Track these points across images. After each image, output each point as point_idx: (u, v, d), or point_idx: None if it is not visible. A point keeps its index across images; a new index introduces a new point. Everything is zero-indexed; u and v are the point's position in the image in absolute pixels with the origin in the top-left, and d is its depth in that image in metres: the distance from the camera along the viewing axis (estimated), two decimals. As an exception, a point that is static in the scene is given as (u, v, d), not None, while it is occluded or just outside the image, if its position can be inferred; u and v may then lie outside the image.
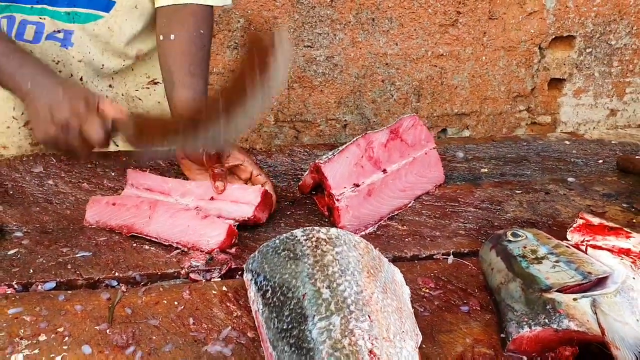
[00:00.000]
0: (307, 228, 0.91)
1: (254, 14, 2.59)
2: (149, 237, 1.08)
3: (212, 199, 1.13)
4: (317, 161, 1.14)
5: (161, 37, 1.34)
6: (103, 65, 1.44)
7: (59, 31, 1.37)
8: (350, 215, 1.12)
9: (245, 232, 1.12)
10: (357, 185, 1.14)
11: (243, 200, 1.12)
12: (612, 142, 1.54)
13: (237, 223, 1.09)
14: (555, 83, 3.05)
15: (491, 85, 2.95)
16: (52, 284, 0.97)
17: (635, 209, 1.24)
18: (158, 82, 1.51)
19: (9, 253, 1.04)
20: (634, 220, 1.20)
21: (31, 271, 0.99)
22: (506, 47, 2.88)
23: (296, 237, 0.89)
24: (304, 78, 2.75)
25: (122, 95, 1.49)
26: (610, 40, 2.99)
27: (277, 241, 0.91)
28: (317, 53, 2.72)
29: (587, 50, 2.99)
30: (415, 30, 2.76)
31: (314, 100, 2.80)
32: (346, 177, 1.13)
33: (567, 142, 1.53)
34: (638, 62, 3.06)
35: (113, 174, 1.31)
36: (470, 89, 2.94)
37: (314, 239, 0.89)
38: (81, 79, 1.43)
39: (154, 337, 0.86)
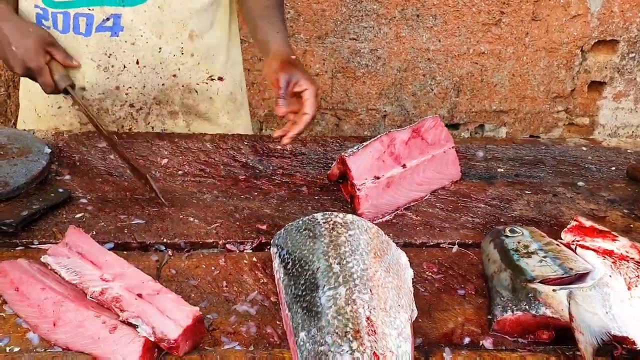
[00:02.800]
0: (327, 212, 1.06)
1: (304, 6, 2.73)
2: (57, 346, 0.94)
3: (139, 295, 0.95)
4: (342, 154, 1.28)
5: None
6: (160, 48, 1.53)
7: (107, 19, 1.47)
8: (369, 204, 1.26)
9: (276, 212, 1.28)
10: (378, 178, 1.28)
11: (171, 314, 0.92)
12: (629, 150, 1.63)
13: (152, 339, 0.89)
14: (596, 86, 3.09)
15: (530, 84, 3.02)
16: (111, 245, 1.15)
17: (636, 215, 1.34)
18: (214, 79, 1.63)
19: (76, 217, 1.23)
20: (632, 226, 1.30)
21: (94, 233, 1.17)
22: (548, 48, 2.94)
23: (317, 219, 1.05)
24: (348, 69, 2.88)
25: (183, 86, 1.60)
26: (654, 46, 3.01)
27: (301, 222, 1.06)
28: (362, 45, 2.85)
29: (630, 55, 3.02)
30: (458, 27, 2.85)
31: (356, 90, 2.94)
32: (368, 169, 1.27)
33: (584, 148, 1.62)
34: (681, 69, 3.08)
35: (166, 152, 1.48)
36: (510, 87, 3.01)
37: (331, 222, 1.04)
38: (137, 62, 1.53)
39: (193, 295, 1.03)
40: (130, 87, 1.57)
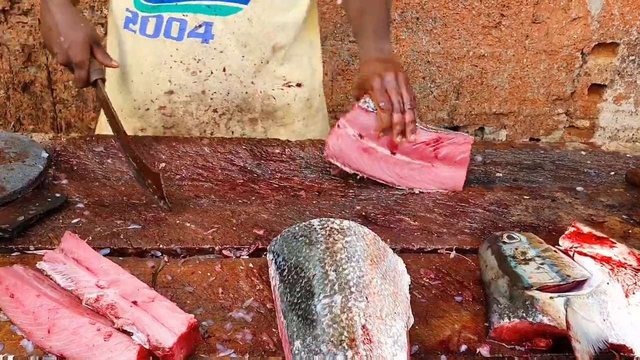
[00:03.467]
0: (324, 219, 1.06)
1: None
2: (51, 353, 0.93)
3: (135, 302, 0.94)
4: (363, 101, 1.36)
5: (339, 1, 1.66)
6: (243, 56, 1.57)
7: (200, 25, 1.52)
8: (337, 143, 1.36)
9: (274, 217, 1.28)
10: (361, 137, 1.32)
11: (166, 322, 0.91)
12: (627, 154, 1.62)
13: (147, 347, 0.89)
14: (596, 88, 3.09)
15: (531, 87, 3.02)
16: (107, 251, 1.15)
17: (634, 220, 1.34)
18: (292, 85, 1.66)
19: (72, 222, 1.22)
20: (630, 231, 1.29)
21: (90, 238, 1.17)
22: (548, 50, 2.94)
23: (313, 225, 1.04)
24: (347, 71, 2.87)
25: (262, 92, 1.64)
26: (655, 49, 3.00)
27: (297, 228, 1.06)
28: (362, 48, 2.84)
29: (630, 58, 3.02)
30: (458, 30, 2.85)
31: (356, 92, 2.93)
32: (361, 125, 1.35)
33: (583, 153, 1.62)
34: (682, 72, 3.07)
35: (163, 156, 1.48)
36: (510, 90, 3.01)
37: (328, 228, 1.03)
38: (224, 69, 1.58)
39: (188, 301, 1.03)
40: (215, 93, 1.61)
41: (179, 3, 1.50)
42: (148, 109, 1.63)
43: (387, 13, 1.60)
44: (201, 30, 1.53)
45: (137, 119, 1.65)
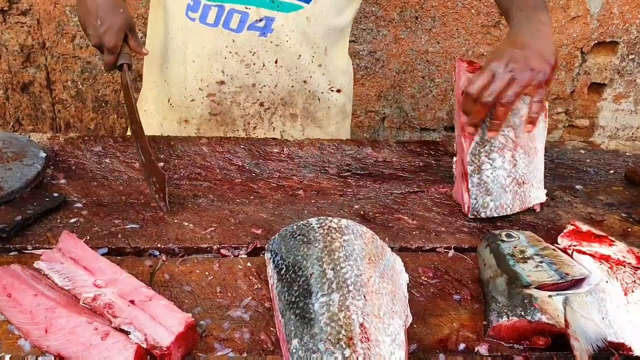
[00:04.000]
0: (322, 217, 1.06)
1: (302, 8, 2.73)
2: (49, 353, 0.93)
3: (132, 301, 0.95)
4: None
5: None
6: (300, 55, 1.59)
7: (260, 19, 1.52)
8: None
9: (272, 217, 1.28)
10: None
11: (164, 321, 0.91)
12: (627, 153, 1.62)
13: (144, 346, 0.89)
14: (596, 87, 3.08)
15: (530, 86, 3.01)
16: (105, 250, 1.15)
17: (634, 219, 1.33)
18: (334, 90, 1.70)
19: (70, 221, 1.22)
20: (630, 230, 1.29)
21: (88, 237, 1.17)
22: (547, 49, 2.93)
23: (311, 224, 1.04)
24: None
25: (309, 91, 1.66)
26: (654, 48, 3.00)
27: (295, 227, 1.05)
28: (361, 47, 2.84)
29: (630, 57, 3.01)
30: (457, 29, 2.84)
31: (355, 92, 2.91)
32: None
33: (582, 151, 1.61)
34: (681, 70, 3.07)
35: (162, 156, 1.48)
36: (509, 89, 3.00)
37: (326, 227, 1.03)
38: (276, 62, 1.59)
39: (186, 301, 1.02)
40: (264, 86, 1.63)
41: None
42: (194, 99, 1.64)
43: None
44: (261, 24, 1.53)
45: (185, 108, 1.66)
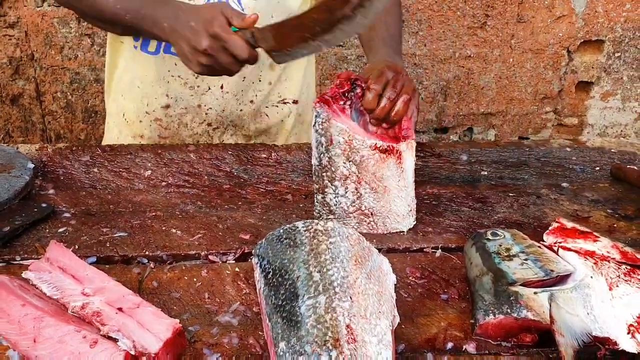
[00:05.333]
0: (308, 220, 1.06)
1: (290, 13, 2.74)
2: None
3: (120, 309, 0.94)
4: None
5: None
6: (245, 77, 1.57)
7: None
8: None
9: (260, 222, 1.28)
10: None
11: (151, 327, 0.91)
12: (612, 150, 1.63)
13: (133, 352, 0.89)
14: (583, 86, 3.11)
15: (518, 86, 3.03)
16: (93, 259, 1.15)
17: (619, 215, 1.35)
18: (287, 102, 1.69)
19: (58, 231, 1.22)
20: (615, 226, 1.30)
21: (76, 247, 1.17)
22: (534, 49, 2.96)
23: (297, 228, 1.04)
24: (335, 75, 2.88)
25: (255, 110, 1.65)
26: (640, 45, 3.03)
27: (282, 230, 1.06)
28: (348, 52, 2.85)
29: (616, 55, 3.04)
30: (443, 32, 2.86)
31: (344, 96, 2.94)
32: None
33: (568, 149, 1.63)
34: (667, 67, 3.09)
35: (149, 164, 1.48)
36: (497, 90, 3.03)
37: (312, 230, 1.03)
38: (222, 87, 1.58)
39: (175, 307, 1.03)
40: (210, 108, 1.62)
41: None
42: (142, 121, 1.65)
43: (401, 30, 1.57)
44: None
45: (139, 123, 1.66)
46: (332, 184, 1.24)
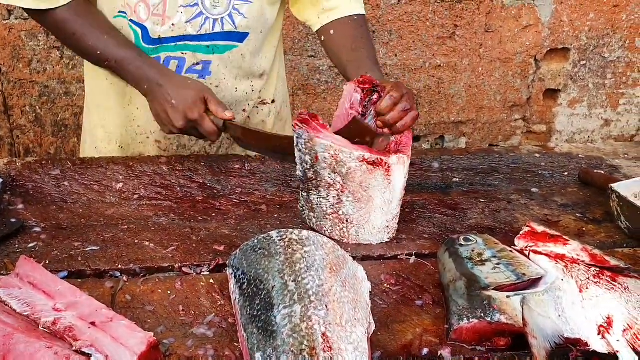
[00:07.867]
0: (282, 230, 1.06)
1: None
2: None
3: (93, 323, 0.93)
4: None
5: (322, 38, 1.59)
6: (237, 88, 1.60)
7: (198, 63, 1.53)
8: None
9: (234, 233, 1.28)
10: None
11: (125, 341, 0.90)
12: (580, 155, 1.67)
13: None
14: (551, 93, 3.17)
15: (487, 95, 3.08)
16: (65, 274, 1.13)
17: (588, 218, 1.37)
18: (267, 103, 1.70)
19: (28, 246, 1.20)
20: (584, 229, 1.33)
21: (47, 262, 1.15)
22: (502, 58, 3.01)
23: (272, 237, 1.04)
24: (308, 86, 2.89)
25: (247, 117, 1.68)
26: (604, 53, 3.10)
27: (256, 241, 1.06)
28: (320, 63, 2.87)
29: (582, 63, 3.11)
30: (414, 42, 2.90)
31: (317, 107, 2.95)
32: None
33: (537, 155, 1.66)
34: (631, 74, 3.17)
35: (121, 177, 1.47)
36: (467, 99, 3.07)
37: (287, 239, 1.04)
38: (236, 89, 1.62)
39: (149, 320, 1.02)
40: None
41: (178, 43, 1.49)
42: (142, 142, 1.65)
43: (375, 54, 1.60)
44: (199, 67, 1.54)
45: (138, 143, 1.65)
46: (316, 190, 1.27)
